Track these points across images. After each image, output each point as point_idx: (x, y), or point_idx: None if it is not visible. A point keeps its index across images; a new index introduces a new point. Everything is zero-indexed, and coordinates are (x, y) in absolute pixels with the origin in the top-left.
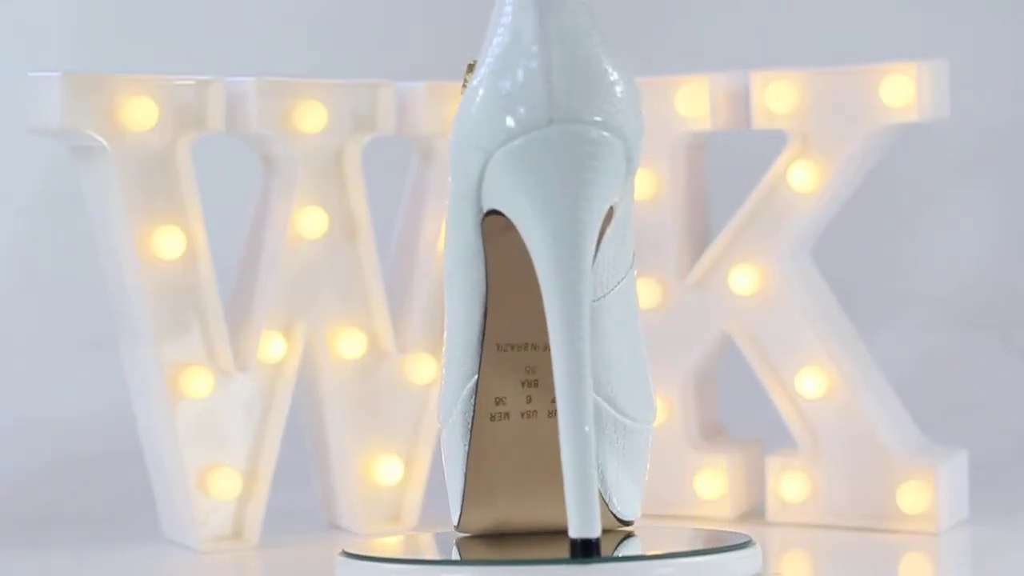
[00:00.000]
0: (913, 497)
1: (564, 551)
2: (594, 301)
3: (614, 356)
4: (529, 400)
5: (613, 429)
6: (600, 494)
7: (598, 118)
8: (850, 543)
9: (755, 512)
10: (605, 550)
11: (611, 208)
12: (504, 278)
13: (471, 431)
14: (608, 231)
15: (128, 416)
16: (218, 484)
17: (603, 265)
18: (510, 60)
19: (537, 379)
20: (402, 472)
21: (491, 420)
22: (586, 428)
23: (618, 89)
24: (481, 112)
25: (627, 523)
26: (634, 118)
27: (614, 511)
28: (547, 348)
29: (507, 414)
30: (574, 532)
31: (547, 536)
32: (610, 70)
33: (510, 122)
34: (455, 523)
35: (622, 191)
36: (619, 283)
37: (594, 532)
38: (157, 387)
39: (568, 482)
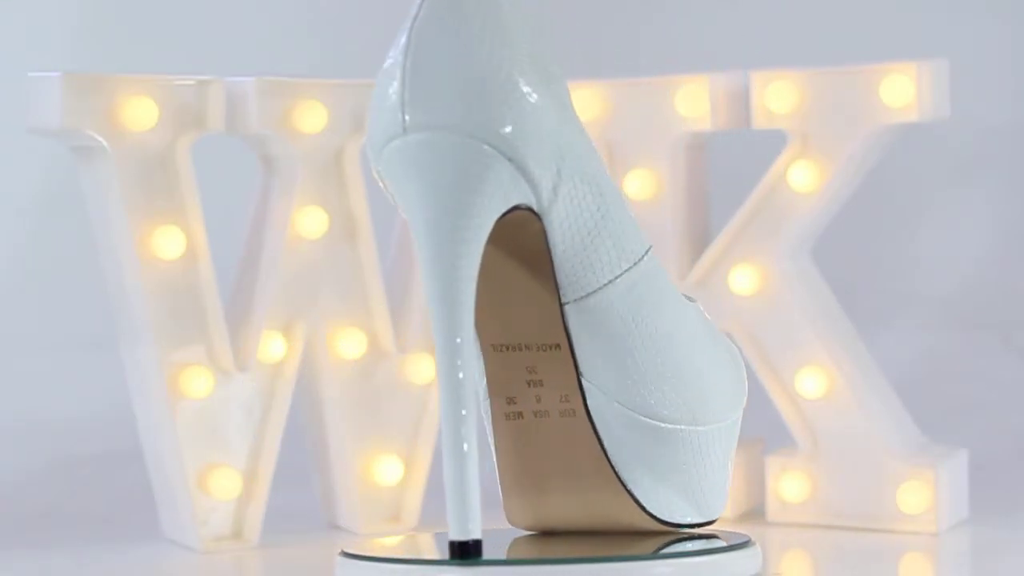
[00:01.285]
0: (913, 497)
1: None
2: (568, 303)
3: (618, 355)
4: (539, 400)
5: (628, 429)
6: (632, 494)
7: (451, 123)
8: (850, 543)
9: (755, 512)
10: (611, 550)
11: (536, 212)
12: (483, 279)
13: (493, 429)
14: (559, 236)
15: (128, 416)
16: (218, 484)
17: (573, 267)
18: (391, 67)
19: (541, 379)
20: (402, 472)
21: (507, 419)
22: (464, 447)
23: (481, 89)
24: (367, 118)
25: (679, 525)
26: (500, 118)
27: (652, 513)
28: (540, 348)
29: (520, 413)
30: (451, 535)
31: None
32: (470, 72)
33: (376, 129)
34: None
35: (536, 193)
36: (612, 281)
37: (467, 535)
38: (157, 387)
39: (446, 491)
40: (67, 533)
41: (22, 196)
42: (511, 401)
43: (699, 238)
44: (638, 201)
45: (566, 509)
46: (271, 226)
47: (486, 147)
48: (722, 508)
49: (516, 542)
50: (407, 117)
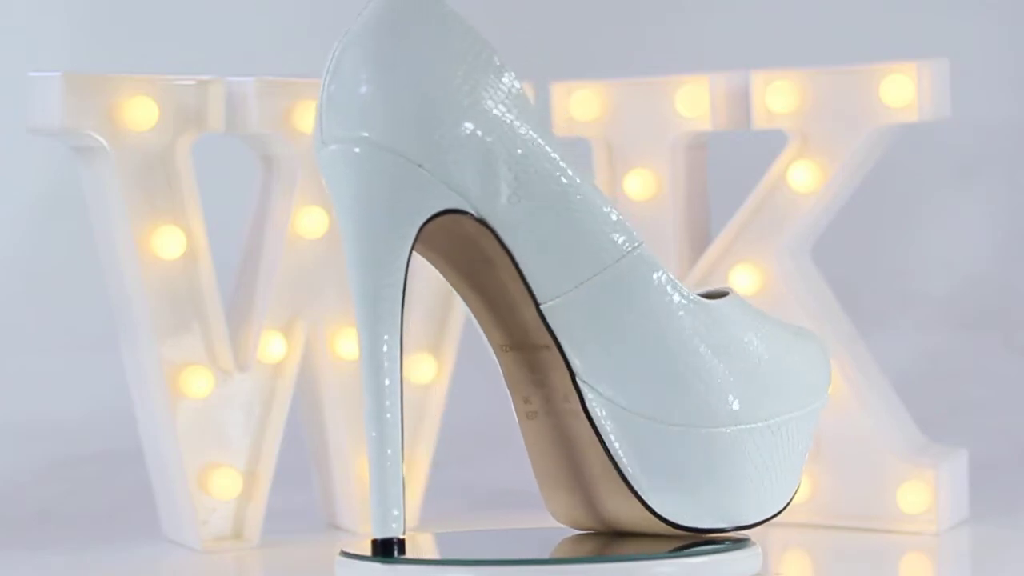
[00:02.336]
0: (913, 497)
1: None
2: (544, 305)
3: (605, 354)
4: (547, 400)
5: (627, 430)
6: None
7: (358, 134)
8: (850, 543)
9: None
10: (603, 550)
11: (474, 215)
12: (472, 285)
13: (520, 428)
14: (515, 239)
15: (128, 416)
16: (218, 484)
17: (542, 269)
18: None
19: (543, 379)
20: (402, 472)
21: (527, 418)
22: (388, 451)
23: (386, 98)
24: None
25: (696, 530)
26: (403, 125)
27: (662, 517)
28: (535, 349)
29: (536, 412)
30: (372, 533)
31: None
32: (378, 82)
33: (315, 140)
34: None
35: (467, 197)
36: (588, 281)
37: (386, 534)
38: (157, 387)
39: (369, 491)
40: (67, 533)
41: (22, 196)
42: (527, 400)
43: (699, 238)
44: (638, 201)
45: (587, 509)
46: (271, 226)
47: (388, 155)
48: (760, 514)
49: (562, 543)
50: (323, 127)
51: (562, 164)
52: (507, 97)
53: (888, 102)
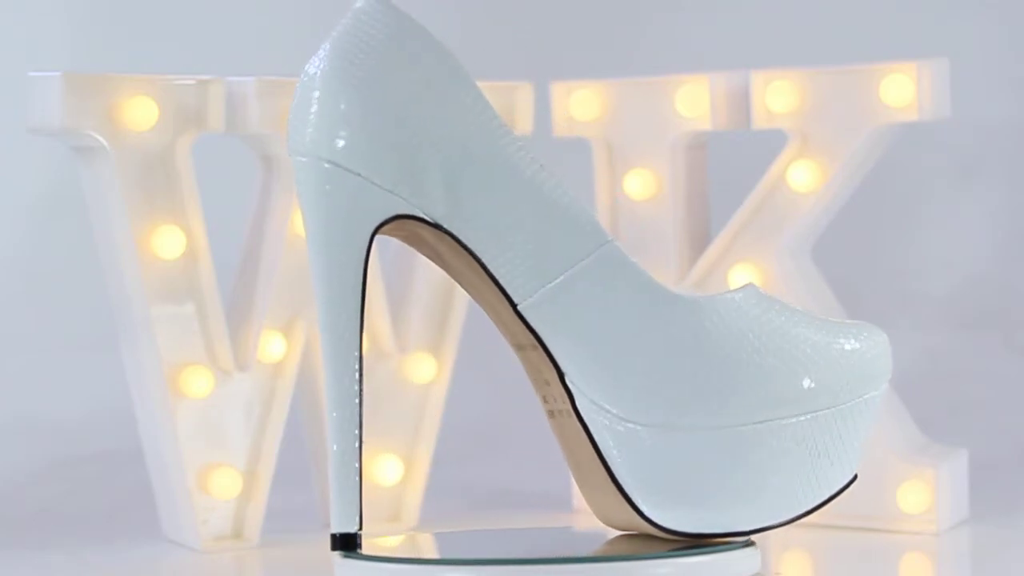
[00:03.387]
0: (913, 497)
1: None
2: (520, 305)
3: (581, 355)
4: (555, 399)
5: (611, 430)
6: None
7: (303, 147)
8: (850, 543)
9: None
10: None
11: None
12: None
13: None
14: (476, 242)
15: (128, 416)
16: (218, 484)
17: (509, 270)
18: None
19: (547, 379)
20: (402, 472)
21: (550, 416)
22: (334, 447)
23: (314, 107)
24: None
25: (686, 535)
26: (334, 134)
27: (650, 519)
28: (529, 348)
29: (552, 412)
30: (331, 528)
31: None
32: (325, 95)
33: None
34: None
35: (419, 203)
36: (556, 281)
37: (344, 528)
38: (157, 387)
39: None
40: (67, 533)
41: (22, 196)
42: (545, 399)
43: (699, 238)
44: (638, 201)
45: (621, 508)
46: (271, 226)
47: (327, 165)
48: (758, 521)
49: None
50: (289, 141)
51: (522, 167)
52: (469, 104)
53: (888, 102)
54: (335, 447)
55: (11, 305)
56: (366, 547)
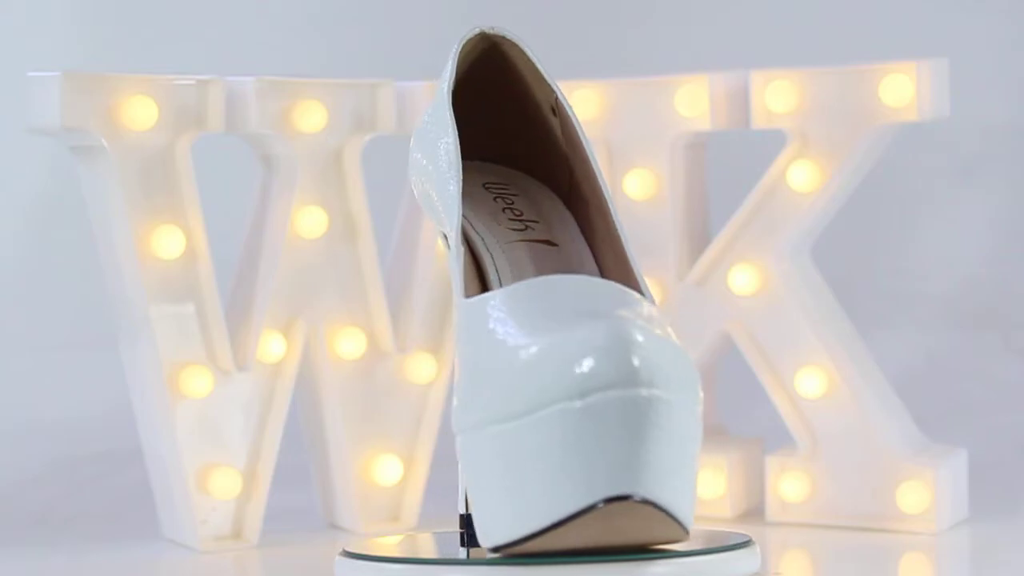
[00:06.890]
0: (913, 497)
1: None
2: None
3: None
4: None
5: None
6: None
7: None
8: (850, 543)
9: (755, 512)
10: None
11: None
12: None
13: None
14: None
15: (128, 416)
16: (218, 484)
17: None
18: None
19: None
20: (402, 472)
21: None
22: None
23: None
24: None
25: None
26: None
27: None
28: None
29: None
30: None
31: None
32: None
33: None
34: None
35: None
36: None
37: None
38: (157, 387)
39: None
40: (67, 533)
41: (22, 196)
42: None
43: (699, 238)
44: (637, 201)
45: None
46: (271, 226)
47: None
48: (503, 536)
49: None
50: None
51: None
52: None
53: (888, 102)
54: None
55: (11, 305)
56: (365, 547)
